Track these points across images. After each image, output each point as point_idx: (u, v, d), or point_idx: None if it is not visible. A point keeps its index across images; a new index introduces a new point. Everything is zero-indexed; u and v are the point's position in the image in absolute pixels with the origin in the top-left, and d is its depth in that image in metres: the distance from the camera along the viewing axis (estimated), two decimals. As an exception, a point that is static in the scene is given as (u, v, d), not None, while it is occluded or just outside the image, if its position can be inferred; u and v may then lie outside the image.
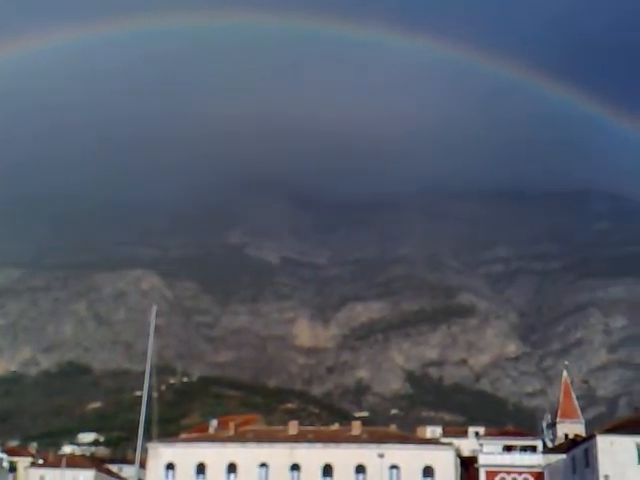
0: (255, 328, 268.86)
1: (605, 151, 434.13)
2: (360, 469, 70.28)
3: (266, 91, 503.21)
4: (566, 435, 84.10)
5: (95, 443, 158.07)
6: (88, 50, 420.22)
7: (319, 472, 70.77)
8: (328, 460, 70.86)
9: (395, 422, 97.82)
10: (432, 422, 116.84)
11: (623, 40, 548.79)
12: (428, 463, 69.46)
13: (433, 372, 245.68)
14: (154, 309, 56.20)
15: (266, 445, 72.76)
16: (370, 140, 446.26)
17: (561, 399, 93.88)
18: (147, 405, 52.02)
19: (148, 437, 68.49)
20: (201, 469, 72.41)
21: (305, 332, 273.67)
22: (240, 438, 74.95)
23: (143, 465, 72.22)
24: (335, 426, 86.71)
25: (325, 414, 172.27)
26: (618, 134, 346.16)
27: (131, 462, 75.40)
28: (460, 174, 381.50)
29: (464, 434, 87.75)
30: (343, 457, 70.75)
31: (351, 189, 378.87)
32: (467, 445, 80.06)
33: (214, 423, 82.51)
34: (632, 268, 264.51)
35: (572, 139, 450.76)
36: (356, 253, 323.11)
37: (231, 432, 76.56)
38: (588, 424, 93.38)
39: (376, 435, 75.08)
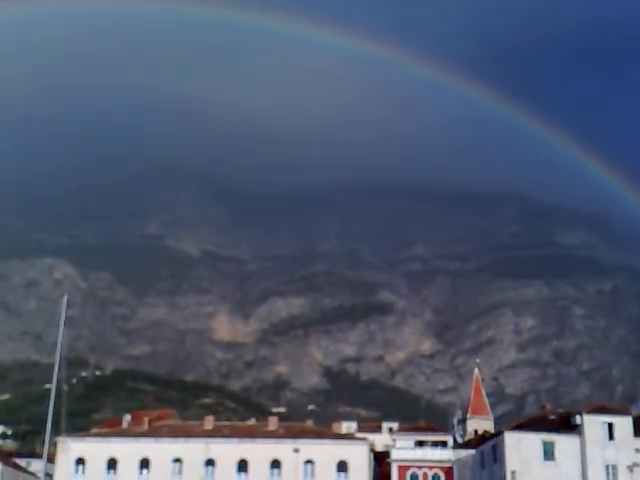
0: (173, 321, 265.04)
1: (519, 155, 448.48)
2: (275, 464, 70.61)
3: (187, 77, 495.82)
4: (476, 431, 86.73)
5: (2, 436, 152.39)
6: None
7: (234, 467, 70.73)
8: (243, 455, 70.87)
9: (312, 417, 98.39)
10: (348, 417, 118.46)
11: (544, 45, 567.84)
12: (342, 458, 70.41)
13: (350, 368, 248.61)
14: (65, 299, 54.97)
15: (181, 440, 72.14)
16: (292, 133, 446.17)
17: (472, 396, 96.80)
18: (56, 398, 50.80)
19: (57, 431, 66.74)
20: (112, 464, 71.11)
21: (224, 326, 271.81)
22: (154, 433, 73.94)
23: (52, 460, 70.36)
24: (252, 421, 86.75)
25: (242, 409, 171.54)
26: (532, 138, 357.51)
27: (40, 456, 73.20)
28: (381, 172, 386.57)
29: (378, 429, 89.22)
30: (258, 452, 70.91)
31: (272, 182, 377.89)
32: (381, 440, 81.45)
33: (127, 418, 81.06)
34: (541, 270, 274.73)
35: (488, 142, 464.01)
36: (277, 248, 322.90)
37: (145, 427, 75.43)
38: (497, 420, 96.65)
39: (292, 430, 75.55)
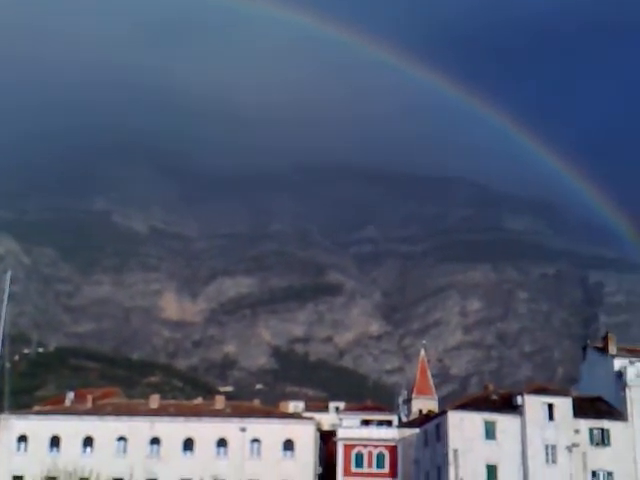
0: (119, 299, 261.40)
1: (471, 140, 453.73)
2: (222, 443, 70.79)
3: (133, 51, 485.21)
4: (420, 410, 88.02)
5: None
6: None
7: (180, 446, 70.66)
8: (189, 434, 70.86)
9: (260, 397, 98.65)
10: (296, 397, 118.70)
11: (501, 32, 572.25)
12: (289, 437, 70.97)
13: (299, 348, 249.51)
14: (8, 275, 53.99)
15: (125, 419, 71.69)
16: (247, 113, 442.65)
17: (417, 376, 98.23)
18: (-2, 375, 49.92)
19: (0, 408, 65.63)
20: (55, 442, 70.33)
21: (172, 305, 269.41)
22: (98, 411, 73.22)
23: (-7, 438, 69.12)
24: (198, 400, 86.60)
25: (189, 388, 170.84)
26: (483, 125, 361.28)
27: (-20, 434, 72.02)
28: (334, 154, 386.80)
29: (325, 409, 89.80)
30: (205, 431, 70.94)
31: (224, 161, 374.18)
32: (328, 419, 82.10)
33: (71, 395, 79.96)
34: (488, 254, 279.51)
35: (441, 127, 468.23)
36: (226, 227, 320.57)
37: (88, 405, 74.58)
38: (441, 400, 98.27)
39: (239, 409, 75.71)
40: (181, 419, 71.82)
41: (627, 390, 67.32)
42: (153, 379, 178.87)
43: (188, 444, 70.69)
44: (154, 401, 75.78)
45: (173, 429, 70.89)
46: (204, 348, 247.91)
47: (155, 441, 70.70)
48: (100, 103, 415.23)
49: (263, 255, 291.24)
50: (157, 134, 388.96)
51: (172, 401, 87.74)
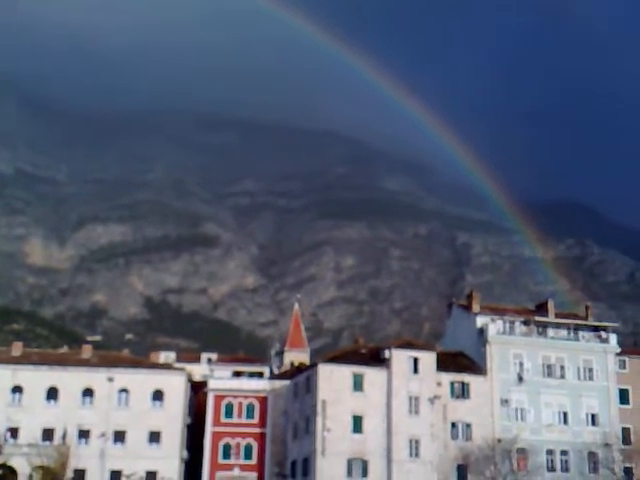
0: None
1: (352, 97, 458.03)
2: (87, 392, 69.50)
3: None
4: (292, 363, 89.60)
5: None
6: None
7: (43, 395, 68.98)
8: (53, 383, 69.23)
9: (130, 347, 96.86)
10: (168, 348, 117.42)
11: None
12: (158, 387, 70.67)
13: (172, 299, 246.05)
14: None
15: (-15, 367, 68.74)
16: (125, 56, 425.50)
17: (291, 330, 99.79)
18: None
19: None
20: None
21: (38, 251, 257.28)
22: (-46, 359, 69.62)
23: None
24: (64, 349, 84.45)
25: (55, 337, 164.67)
26: (364, 82, 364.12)
27: None
28: (213, 103, 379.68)
29: (197, 360, 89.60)
30: (69, 380, 69.54)
31: (99, 104, 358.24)
32: (199, 370, 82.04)
33: None
34: (364, 212, 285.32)
35: (321, 81, 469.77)
36: (98, 172, 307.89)
37: (-56, 353, 70.72)
38: (314, 353, 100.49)
39: (107, 359, 74.67)
40: (45, 368, 70.08)
41: (487, 346, 71.32)
42: (16, 326, 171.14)
43: (52, 393, 69.17)
44: (17, 349, 73.74)
45: (36, 377, 69.18)
46: (72, 296, 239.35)
47: (17, 389, 68.87)
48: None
49: (137, 203, 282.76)
50: (24, 74, 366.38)
51: (36, 349, 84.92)
